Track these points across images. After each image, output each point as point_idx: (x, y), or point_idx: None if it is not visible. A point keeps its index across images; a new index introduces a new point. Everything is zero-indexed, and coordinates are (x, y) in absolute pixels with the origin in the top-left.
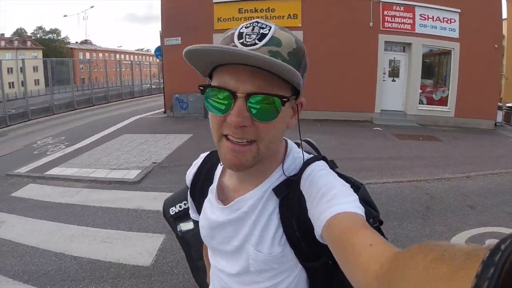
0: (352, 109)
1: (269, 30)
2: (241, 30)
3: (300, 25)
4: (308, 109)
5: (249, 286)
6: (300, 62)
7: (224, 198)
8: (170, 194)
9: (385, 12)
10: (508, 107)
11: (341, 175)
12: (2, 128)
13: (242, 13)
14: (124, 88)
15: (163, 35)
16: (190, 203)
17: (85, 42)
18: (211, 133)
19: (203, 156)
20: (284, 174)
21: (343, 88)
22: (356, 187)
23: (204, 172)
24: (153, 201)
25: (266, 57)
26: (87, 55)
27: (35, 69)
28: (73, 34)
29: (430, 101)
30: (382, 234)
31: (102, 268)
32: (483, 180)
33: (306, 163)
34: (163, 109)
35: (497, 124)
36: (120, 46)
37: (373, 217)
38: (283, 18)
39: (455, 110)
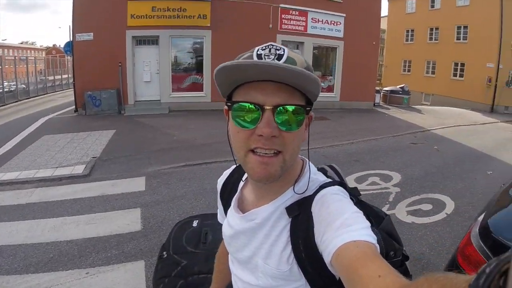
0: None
1: (284, 51)
2: (259, 52)
3: (209, 25)
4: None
5: None
6: None
7: (243, 209)
8: (127, 179)
9: (283, 16)
10: (386, 90)
11: (365, 204)
12: None
13: (156, 11)
14: (18, 87)
15: (74, 30)
16: (219, 207)
17: None
18: (234, 149)
19: (232, 167)
20: (294, 191)
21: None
22: (380, 217)
23: (231, 182)
24: (112, 187)
25: (300, 69)
26: None
27: None
28: None
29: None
30: (406, 269)
31: (102, 240)
32: (363, 144)
33: (322, 186)
34: (74, 108)
35: (375, 104)
36: (5, 40)
37: (395, 250)
38: (193, 18)
39: (340, 95)
